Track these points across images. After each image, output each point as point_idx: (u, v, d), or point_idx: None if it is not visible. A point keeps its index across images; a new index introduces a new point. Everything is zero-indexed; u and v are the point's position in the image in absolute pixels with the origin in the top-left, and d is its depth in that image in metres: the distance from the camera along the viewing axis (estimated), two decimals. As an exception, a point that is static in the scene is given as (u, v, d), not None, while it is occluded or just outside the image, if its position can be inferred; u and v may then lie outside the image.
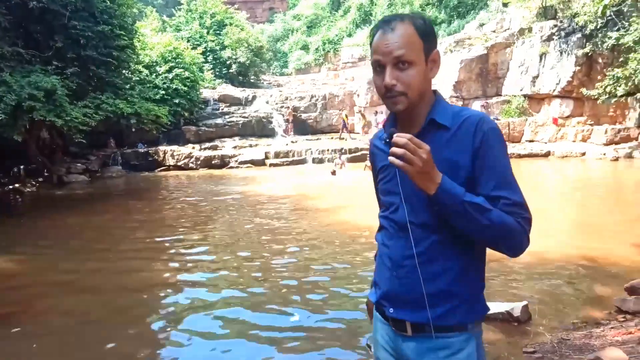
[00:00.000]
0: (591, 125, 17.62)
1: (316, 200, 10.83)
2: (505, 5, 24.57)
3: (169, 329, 4.27)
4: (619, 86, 14.69)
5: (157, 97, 18.96)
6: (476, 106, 20.65)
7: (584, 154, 16.53)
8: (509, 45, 20.56)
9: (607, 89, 15.06)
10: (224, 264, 6.19)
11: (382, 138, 1.45)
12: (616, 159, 15.16)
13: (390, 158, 1.19)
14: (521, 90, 19.78)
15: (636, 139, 16.43)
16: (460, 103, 20.87)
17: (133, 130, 18.22)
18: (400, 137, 1.18)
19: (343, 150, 18.81)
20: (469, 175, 1.29)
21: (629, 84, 14.36)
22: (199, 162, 18.98)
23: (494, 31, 22.83)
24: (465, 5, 30.12)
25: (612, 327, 3.82)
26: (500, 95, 20.69)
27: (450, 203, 1.22)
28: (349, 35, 36.51)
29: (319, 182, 13.99)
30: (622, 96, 15.04)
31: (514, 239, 1.25)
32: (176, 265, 6.26)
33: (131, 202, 11.75)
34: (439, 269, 1.33)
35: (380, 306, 1.48)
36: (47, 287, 5.59)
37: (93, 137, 16.61)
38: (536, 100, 19.47)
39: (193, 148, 19.84)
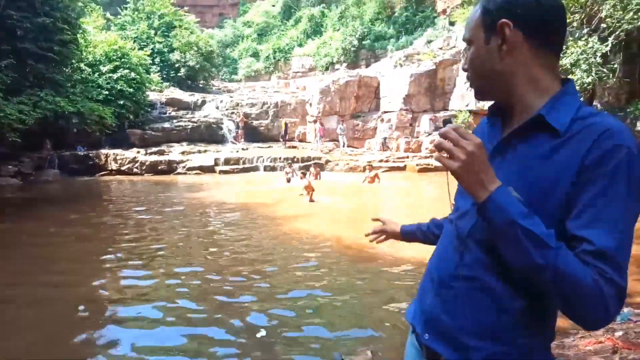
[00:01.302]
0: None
1: (270, 208, 10.57)
2: (451, 24, 25.71)
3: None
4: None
5: (100, 97, 17.97)
6: (425, 120, 21.30)
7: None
8: (456, 62, 21.39)
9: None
10: (175, 276, 5.78)
11: (489, 129, 1.21)
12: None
13: (434, 154, 1.02)
14: (467, 105, 20.59)
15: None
16: (410, 116, 21.45)
17: (74, 131, 17.07)
18: (447, 127, 0.99)
19: (295, 159, 18.67)
20: (565, 200, 0.97)
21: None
22: (144, 167, 18.10)
23: (441, 48, 23.73)
24: (413, 22, 31.17)
25: (581, 337, 3.89)
26: (447, 109, 21.42)
27: (497, 220, 0.96)
28: (300, 45, 36.70)
29: (271, 190, 13.71)
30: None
31: (580, 301, 0.90)
32: (113, 280, 5.65)
33: (67, 209, 10.80)
34: (496, 302, 1.05)
35: (416, 327, 1.23)
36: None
37: (27, 137, 15.35)
38: (481, 115, 20.32)
39: (138, 152, 18.89)
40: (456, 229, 1.16)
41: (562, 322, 4.24)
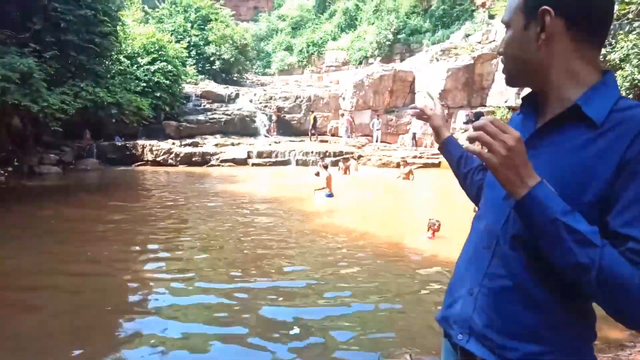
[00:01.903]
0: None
1: (301, 203, 10.51)
2: (491, 17, 24.94)
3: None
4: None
5: (138, 89, 18.29)
6: (461, 115, 20.77)
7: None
8: (495, 57, 20.72)
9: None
10: (211, 270, 5.79)
11: (522, 122, 1.17)
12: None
13: (465, 145, 0.97)
14: (506, 101, 19.95)
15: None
16: (445, 112, 20.95)
17: (114, 121, 17.47)
18: (482, 119, 0.93)
19: (327, 153, 18.55)
20: (604, 194, 0.92)
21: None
22: (178, 159, 18.37)
23: (480, 42, 23.05)
24: (450, 16, 30.41)
25: (638, 350, 3.63)
26: (485, 105, 20.82)
27: (538, 218, 0.91)
28: (334, 38, 36.44)
29: (304, 184, 13.65)
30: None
31: (628, 302, 0.86)
32: (153, 269, 5.68)
33: (106, 198, 11.06)
34: (532, 300, 1.01)
35: (449, 328, 1.17)
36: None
37: (68, 127, 15.81)
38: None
39: (173, 144, 19.19)
40: (486, 225, 1.12)
41: (611, 332, 3.99)
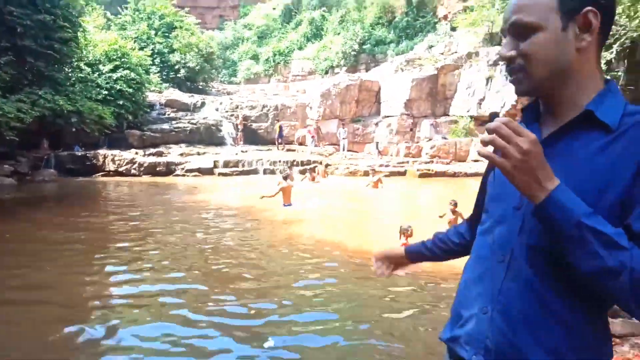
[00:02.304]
0: (532, 148, 18.55)
1: (270, 212, 10.40)
2: (453, 29, 25.70)
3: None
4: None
5: (100, 97, 17.76)
6: (425, 125, 21.22)
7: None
8: (457, 68, 21.36)
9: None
10: (176, 289, 5.62)
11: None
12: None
13: (479, 149, 0.91)
14: (468, 111, 20.55)
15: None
16: (410, 121, 21.37)
17: (74, 130, 16.85)
18: (496, 121, 0.89)
19: (295, 162, 18.52)
20: (623, 198, 0.90)
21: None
22: (142, 169, 17.89)
23: (442, 53, 23.71)
24: (413, 27, 31.17)
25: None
26: (448, 115, 21.37)
27: (561, 222, 0.87)
28: (300, 48, 36.64)
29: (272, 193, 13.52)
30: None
31: None
32: (110, 285, 5.38)
33: (61, 212, 10.52)
34: (550, 314, 0.96)
35: (457, 347, 1.11)
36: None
37: (24, 136, 15.15)
38: (482, 121, 20.26)
39: (136, 153, 18.69)
40: (498, 239, 1.06)
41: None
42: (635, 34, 13.20)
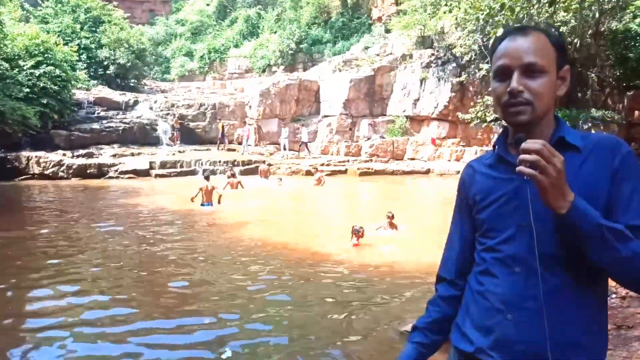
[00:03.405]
0: (463, 146, 19.62)
1: (211, 215, 10.24)
2: (387, 31, 26.47)
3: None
4: (488, 113, 16.59)
5: (21, 95, 16.45)
6: (364, 124, 21.74)
7: (458, 172, 18.18)
8: (393, 69, 22.06)
9: (479, 115, 16.91)
10: (112, 293, 5.40)
11: (484, 162, 1.35)
12: (486, 177, 17.04)
13: (520, 167, 1.04)
14: (404, 111, 21.31)
15: (500, 159, 18.69)
16: (349, 121, 21.79)
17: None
18: (532, 143, 1.03)
19: (235, 162, 18.28)
20: (607, 203, 1.13)
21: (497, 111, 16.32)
22: (71, 171, 16.83)
23: (378, 55, 24.34)
24: (349, 28, 31.69)
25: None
26: (386, 115, 22.03)
27: (584, 226, 1.05)
28: (236, 46, 36.05)
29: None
30: (490, 122, 17.01)
31: None
32: (34, 303, 4.96)
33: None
34: (568, 313, 1.13)
35: (485, 357, 1.21)
36: None
37: None
38: (417, 121, 21.11)
39: (64, 155, 17.54)
40: (508, 253, 1.20)
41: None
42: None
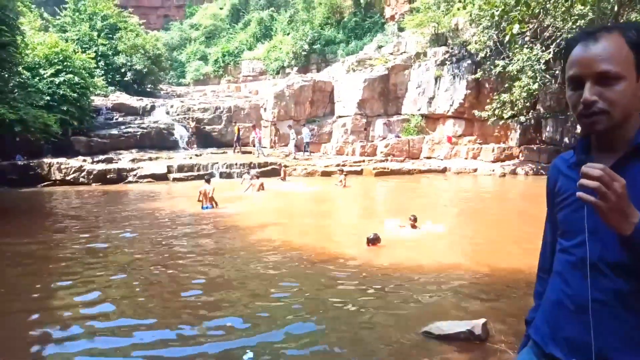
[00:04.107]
0: (480, 144, 19.42)
1: (235, 218, 10.33)
2: (400, 30, 26.33)
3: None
4: (505, 110, 16.39)
5: (41, 103, 16.80)
6: (379, 124, 21.67)
7: (475, 170, 18.10)
8: (407, 68, 21.94)
9: (496, 112, 16.71)
10: (139, 307, 5.50)
11: (568, 161, 1.35)
12: (504, 175, 16.88)
13: (579, 193, 1.05)
14: (419, 110, 21.18)
15: (518, 157, 18.47)
16: (364, 121, 21.75)
17: (17, 139, 15.87)
18: (592, 168, 1.02)
19: (252, 165, 18.40)
20: None
21: (514, 108, 16.12)
22: (91, 177, 17.15)
23: (392, 53, 24.23)
24: (362, 28, 31.64)
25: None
26: (400, 114, 21.93)
27: None
28: (250, 48, 36.31)
29: (231, 197, 13.39)
30: (507, 119, 16.81)
31: None
32: (62, 307, 5.08)
33: (8, 226, 9.88)
34: (631, 317, 1.15)
35: (551, 353, 1.28)
36: None
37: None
38: (432, 119, 20.96)
39: (84, 161, 17.89)
40: (577, 257, 1.23)
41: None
42: (569, 36, 14.13)
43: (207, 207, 11.23)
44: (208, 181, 11.87)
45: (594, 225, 1.18)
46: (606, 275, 1.17)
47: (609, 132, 1.18)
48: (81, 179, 17.04)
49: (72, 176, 17.05)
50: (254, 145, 21.16)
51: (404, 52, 23.68)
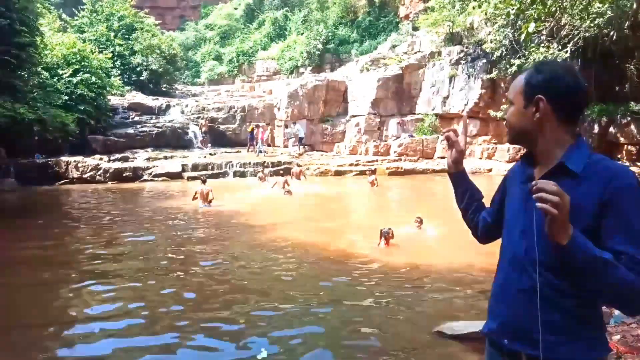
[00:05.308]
0: (495, 144, 19.22)
1: (248, 217, 10.39)
2: (415, 29, 26.21)
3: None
4: (521, 109, 16.17)
5: (60, 102, 17.13)
6: (392, 123, 21.60)
7: (490, 170, 17.94)
8: (421, 67, 21.83)
9: (511, 111, 16.49)
10: (159, 305, 5.57)
11: (521, 169, 1.58)
12: (519, 175, 16.65)
13: (539, 204, 1.20)
14: (433, 109, 21.06)
15: (533, 157, 18.23)
16: (378, 120, 21.70)
17: (36, 138, 16.20)
18: (549, 184, 1.21)
19: (265, 164, 18.49)
20: (590, 223, 1.30)
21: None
22: (107, 175, 17.41)
23: (406, 53, 24.15)
24: (376, 27, 31.57)
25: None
26: (414, 113, 21.83)
27: (579, 256, 1.23)
28: (264, 48, 36.45)
29: (245, 196, 13.48)
30: (523, 118, 16.59)
31: (633, 297, 1.25)
32: (84, 304, 5.18)
33: (27, 222, 10.10)
34: (554, 307, 1.35)
35: (495, 337, 1.52)
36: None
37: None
38: (447, 119, 20.80)
39: (101, 159, 18.17)
40: (513, 251, 1.47)
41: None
42: (586, 34, 13.92)
43: (204, 206, 11.47)
44: (204, 182, 12.21)
45: (530, 229, 1.40)
46: (530, 269, 1.38)
47: (533, 149, 1.48)
48: (98, 177, 17.29)
49: (89, 174, 17.31)
50: (269, 145, 21.26)
51: (418, 51, 23.57)
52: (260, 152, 20.57)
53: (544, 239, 1.30)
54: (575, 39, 14.27)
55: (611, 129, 14.89)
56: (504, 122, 1.53)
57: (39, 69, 16.77)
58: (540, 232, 1.31)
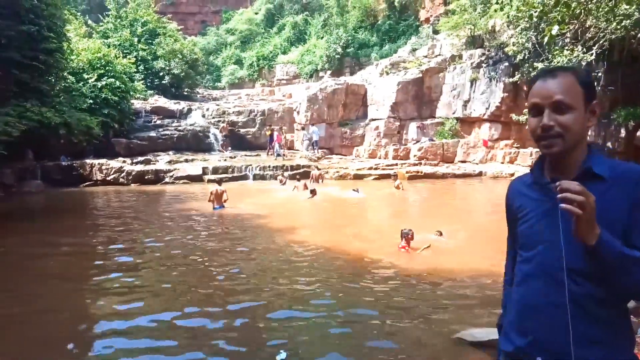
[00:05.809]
0: (517, 148, 18.92)
1: (268, 219, 10.44)
2: (435, 32, 26.04)
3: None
4: (544, 113, 15.88)
5: (85, 106, 17.56)
6: (412, 127, 21.47)
7: (512, 174, 17.62)
8: (442, 70, 21.64)
9: (534, 115, 16.21)
10: (184, 302, 5.64)
11: (526, 182, 1.53)
12: (542, 180, 16.34)
13: (562, 205, 1.20)
14: (454, 113, 20.86)
15: (557, 161, 17.87)
16: (397, 124, 21.60)
17: (61, 141, 16.61)
18: (570, 184, 1.21)
19: (284, 167, 18.58)
20: (625, 229, 1.30)
21: (553, 111, 15.60)
22: (130, 177, 17.74)
23: (426, 56, 23.99)
24: (396, 31, 31.46)
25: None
26: (435, 117, 21.65)
27: (608, 255, 1.23)
28: (284, 52, 36.70)
29: (266, 199, 13.56)
30: (546, 122, 16.29)
31: None
32: (114, 301, 5.36)
33: (54, 224, 10.35)
34: (591, 318, 1.31)
35: (525, 354, 1.42)
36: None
37: (8, 148, 14.88)
38: (467, 123, 20.59)
39: (124, 162, 18.52)
40: (541, 265, 1.40)
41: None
42: (613, 36, 13.59)
43: (218, 207, 11.55)
44: (219, 183, 12.37)
45: (555, 238, 1.35)
46: (563, 281, 1.32)
47: (563, 155, 1.37)
48: (121, 180, 17.63)
49: (112, 177, 17.67)
50: (289, 148, 21.36)
51: (439, 54, 23.39)
52: (279, 155, 20.69)
53: (572, 245, 1.29)
54: (601, 42, 13.95)
55: (639, 133, 14.49)
56: (551, 130, 1.36)
57: (65, 74, 17.23)
58: (568, 238, 1.30)
